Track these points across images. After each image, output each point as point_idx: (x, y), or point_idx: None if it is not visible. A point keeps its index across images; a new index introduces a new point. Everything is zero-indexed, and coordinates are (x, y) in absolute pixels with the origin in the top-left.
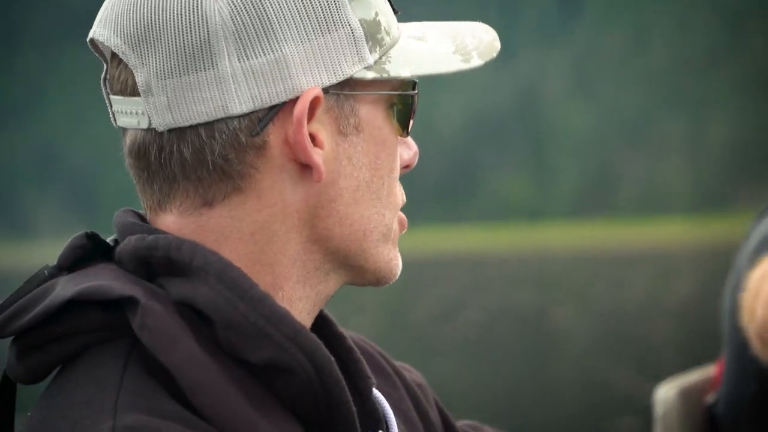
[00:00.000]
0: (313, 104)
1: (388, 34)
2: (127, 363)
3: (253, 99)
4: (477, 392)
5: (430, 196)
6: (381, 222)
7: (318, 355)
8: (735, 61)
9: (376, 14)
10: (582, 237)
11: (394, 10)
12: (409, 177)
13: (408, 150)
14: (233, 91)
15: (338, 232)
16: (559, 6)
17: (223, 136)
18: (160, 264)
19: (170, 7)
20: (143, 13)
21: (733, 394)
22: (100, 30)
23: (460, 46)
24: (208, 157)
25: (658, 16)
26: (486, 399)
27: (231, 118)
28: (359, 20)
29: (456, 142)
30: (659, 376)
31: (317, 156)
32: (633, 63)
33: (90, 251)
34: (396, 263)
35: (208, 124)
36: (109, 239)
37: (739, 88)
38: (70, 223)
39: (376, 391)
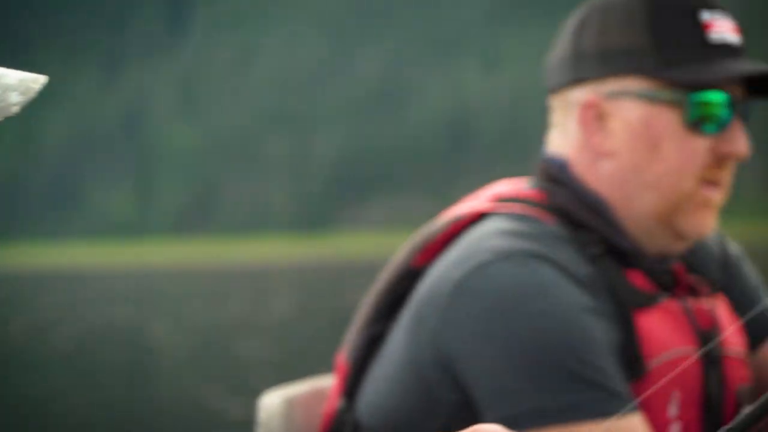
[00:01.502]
0: None
1: None
2: None
3: None
4: (73, 408)
5: (32, 210)
6: None
7: None
8: (340, 81)
9: None
10: (182, 253)
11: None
12: (11, 191)
13: None
14: None
15: None
16: (165, 21)
17: None
18: None
19: None
20: None
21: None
22: None
23: None
24: None
25: (265, 34)
26: (82, 414)
27: None
28: None
29: (60, 157)
30: (250, 393)
31: None
32: (238, 81)
33: None
34: None
35: None
36: None
37: (342, 108)
38: None
39: None
